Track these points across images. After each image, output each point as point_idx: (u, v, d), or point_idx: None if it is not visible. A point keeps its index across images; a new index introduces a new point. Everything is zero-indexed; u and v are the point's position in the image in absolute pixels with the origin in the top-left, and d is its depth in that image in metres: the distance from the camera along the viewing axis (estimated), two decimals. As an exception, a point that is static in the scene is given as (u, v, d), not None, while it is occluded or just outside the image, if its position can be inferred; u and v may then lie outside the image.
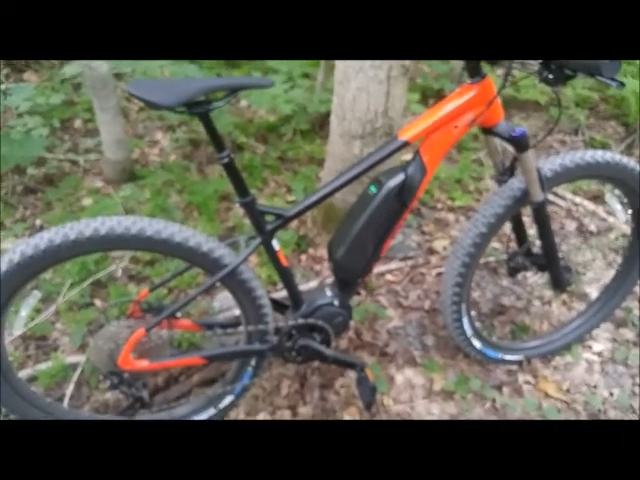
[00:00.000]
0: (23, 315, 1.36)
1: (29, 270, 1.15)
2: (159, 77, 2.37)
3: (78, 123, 2.80)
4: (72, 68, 2.52)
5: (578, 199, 2.37)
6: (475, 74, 1.25)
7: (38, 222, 2.21)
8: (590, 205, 2.34)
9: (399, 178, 1.29)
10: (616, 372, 1.68)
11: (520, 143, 1.30)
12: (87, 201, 2.30)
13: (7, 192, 2.34)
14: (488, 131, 1.33)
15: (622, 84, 1.08)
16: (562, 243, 2.13)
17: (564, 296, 1.91)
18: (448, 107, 1.26)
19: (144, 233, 1.17)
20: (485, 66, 1.26)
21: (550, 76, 1.15)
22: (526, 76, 1.28)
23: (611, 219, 2.23)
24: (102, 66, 2.12)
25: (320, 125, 2.64)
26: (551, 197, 2.34)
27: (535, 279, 1.93)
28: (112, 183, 2.39)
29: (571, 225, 2.27)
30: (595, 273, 2.02)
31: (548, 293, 1.91)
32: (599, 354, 1.73)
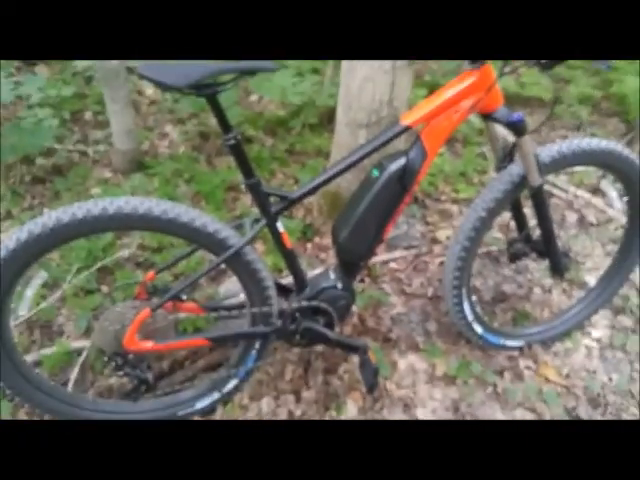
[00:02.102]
0: (29, 295, 1.36)
1: (36, 248, 1.16)
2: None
3: (88, 115, 2.83)
4: (84, 61, 2.56)
5: (579, 192, 2.38)
6: (475, 61, 1.29)
7: (46, 211, 2.24)
8: (590, 197, 2.35)
9: (401, 162, 1.32)
10: (615, 358, 1.70)
11: (518, 127, 1.34)
12: (96, 190, 2.33)
13: (15, 182, 2.36)
14: (488, 117, 1.36)
15: (610, 66, 1.16)
16: (562, 233, 2.14)
17: (564, 284, 1.93)
18: (449, 93, 1.30)
19: (151, 213, 1.19)
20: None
21: (542, 60, 1.21)
22: (523, 64, 1.32)
23: (610, 211, 2.24)
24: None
25: (328, 119, 2.65)
26: (553, 190, 2.36)
27: (535, 266, 1.95)
28: (121, 173, 2.43)
29: (572, 216, 2.28)
30: (594, 262, 2.03)
31: (549, 281, 1.93)
32: (598, 340, 1.75)
